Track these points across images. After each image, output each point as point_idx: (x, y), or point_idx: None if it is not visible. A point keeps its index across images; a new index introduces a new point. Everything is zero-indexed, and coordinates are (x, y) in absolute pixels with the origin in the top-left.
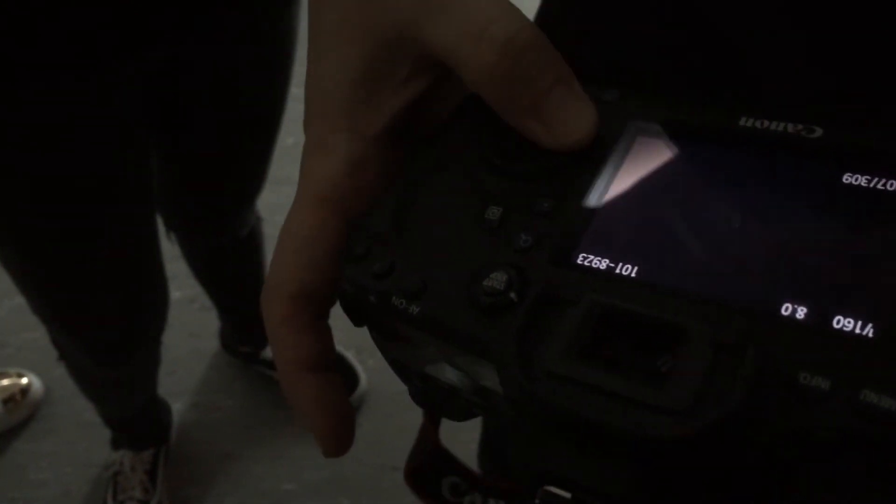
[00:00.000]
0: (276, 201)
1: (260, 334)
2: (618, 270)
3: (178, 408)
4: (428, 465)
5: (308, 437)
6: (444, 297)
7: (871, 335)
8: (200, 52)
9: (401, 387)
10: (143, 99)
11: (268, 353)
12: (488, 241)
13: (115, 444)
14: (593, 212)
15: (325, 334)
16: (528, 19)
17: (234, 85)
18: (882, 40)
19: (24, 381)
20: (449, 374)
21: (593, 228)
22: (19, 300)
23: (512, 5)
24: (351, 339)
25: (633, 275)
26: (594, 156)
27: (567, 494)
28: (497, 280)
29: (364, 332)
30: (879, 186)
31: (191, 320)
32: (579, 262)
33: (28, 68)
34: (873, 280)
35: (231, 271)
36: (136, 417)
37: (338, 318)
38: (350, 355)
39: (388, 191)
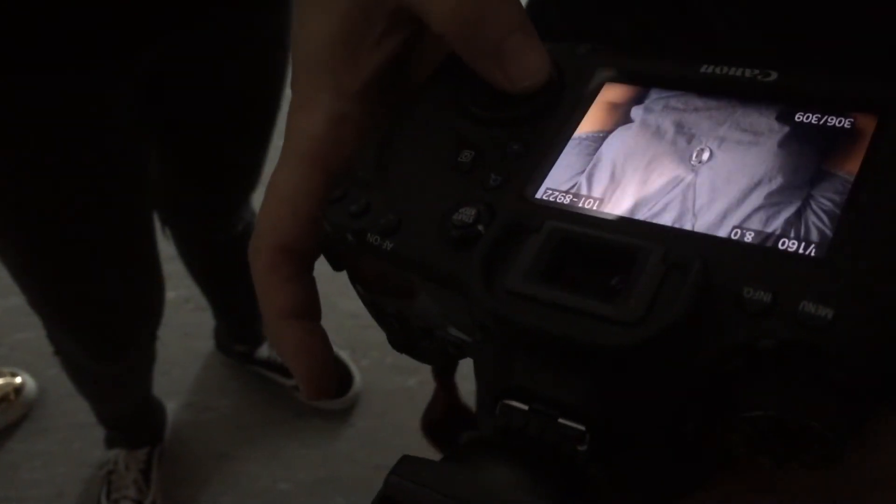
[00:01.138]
0: None
1: (255, 334)
2: (581, 204)
3: (172, 407)
4: (443, 419)
5: (302, 437)
6: (416, 232)
7: (812, 254)
8: (196, 50)
9: (395, 386)
10: (139, 96)
11: (262, 352)
12: (461, 181)
13: (110, 442)
14: (560, 152)
15: (310, 286)
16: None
17: (229, 82)
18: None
19: (18, 380)
20: (423, 312)
21: (559, 166)
22: (13, 300)
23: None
24: (346, 340)
25: (594, 207)
26: (564, 102)
27: (525, 406)
28: (466, 214)
29: (359, 332)
30: (828, 123)
31: (185, 320)
32: (545, 197)
33: (25, 63)
34: (818, 206)
35: (226, 268)
36: (130, 416)
37: (332, 318)
38: (345, 355)
39: (368, 140)
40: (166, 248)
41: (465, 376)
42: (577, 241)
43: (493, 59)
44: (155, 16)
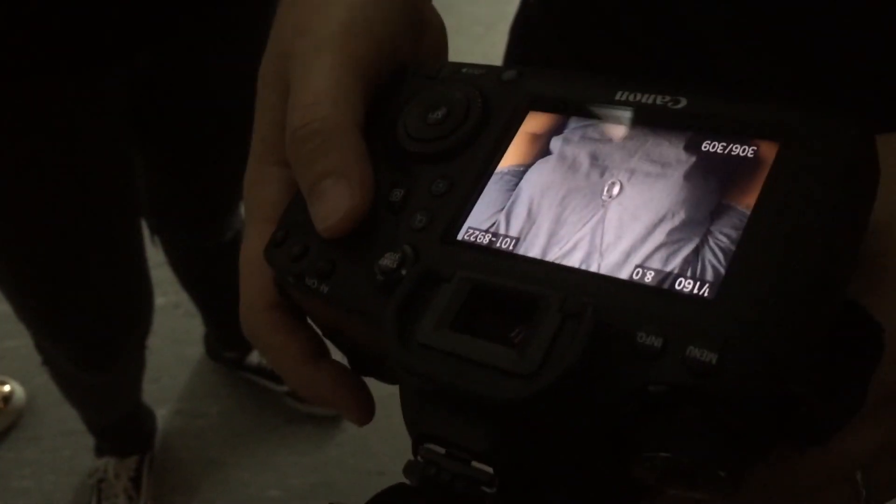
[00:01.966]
0: None
1: (245, 340)
2: (498, 244)
3: (162, 414)
4: None
5: (293, 443)
6: (348, 276)
7: (706, 295)
8: (185, 58)
9: (385, 392)
10: (129, 103)
11: (253, 358)
12: (391, 221)
13: (99, 451)
14: (482, 188)
15: (312, 330)
16: (343, 106)
17: (219, 91)
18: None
19: (7, 388)
20: (369, 345)
21: (480, 204)
22: (2, 308)
23: (343, 88)
24: (334, 346)
25: (510, 248)
26: (489, 132)
27: (442, 450)
28: (391, 259)
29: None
30: (733, 152)
31: (175, 326)
32: (465, 238)
33: (14, 68)
34: (716, 242)
35: (215, 275)
36: (120, 424)
37: None
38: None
39: None
40: (155, 254)
41: None
42: (485, 290)
43: (307, 197)
44: (145, 24)
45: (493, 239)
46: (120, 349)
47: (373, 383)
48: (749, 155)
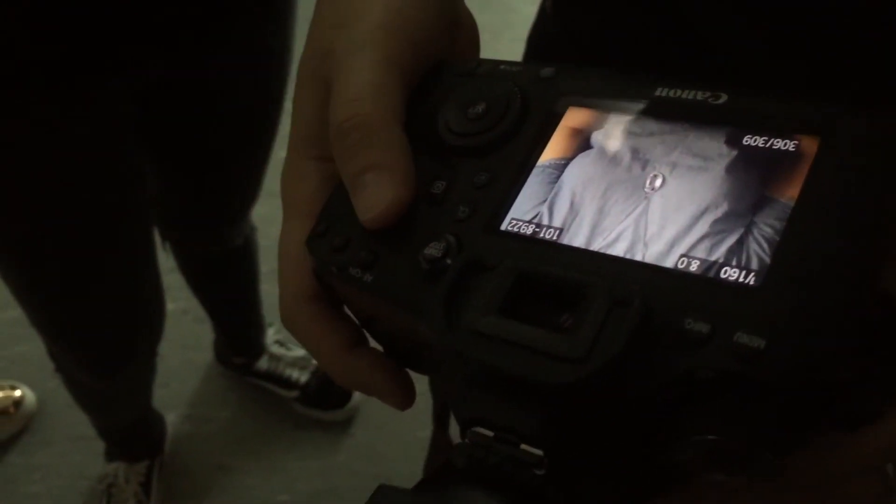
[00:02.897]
0: (270, 213)
1: (254, 346)
2: (542, 235)
3: (171, 419)
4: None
5: (301, 449)
6: (392, 265)
7: (752, 283)
8: (194, 66)
9: None
10: (140, 111)
11: (262, 364)
12: (433, 213)
13: (109, 455)
14: (524, 181)
15: (350, 320)
16: (386, 101)
17: (229, 99)
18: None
19: (18, 393)
20: (408, 336)
21: (523, 196)
22: (12, 313)
23: (384, 84)
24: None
25: (554, 238)
26: (529, 128)
27: (490, 433)
28: (436, 248)
29: None
30: (774, 146)
31: (184, 332)
32: (509, 228)
33: (29, 76)
34: (760, 233)
35: (226, 281)
36: (130, 429)
37: None
38: None
39: None
40: (165, 260)
41: None
42: (531, 278)
43: (350, 188)
44: (155, 32)
45: (537, 230)
46: (132, 355)
47: None
48: (790, 149)
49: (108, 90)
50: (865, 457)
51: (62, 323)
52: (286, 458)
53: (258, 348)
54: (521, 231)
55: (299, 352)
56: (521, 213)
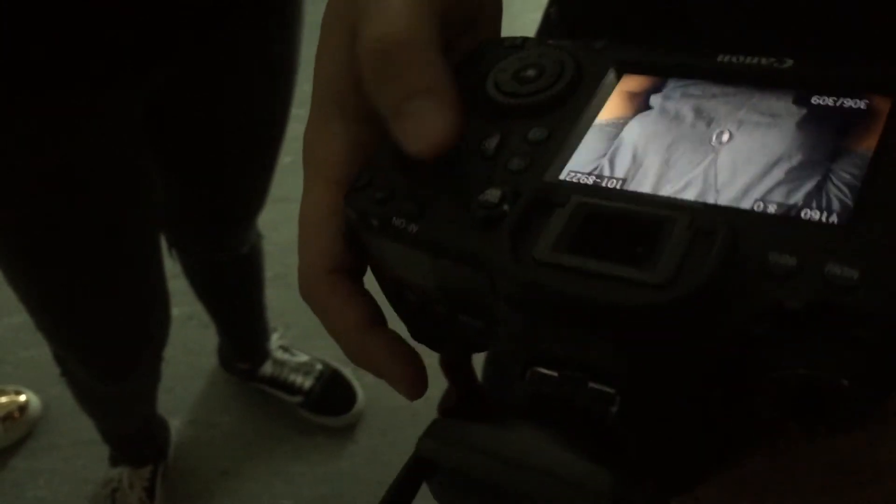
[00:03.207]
0: (276, 218)
1: (258, 351)
2: (604, 184)
3: (176, 424)
4: (457, 408)
5: (305, 454)
6: (441, 215)
7: (835, 222)
8: (201, 73)
9: (399, 402)
10: (147, 118)
11: (266, 369)
12: (485, 165)
13: (114, 460)
14: (581, 137)
15: (370, 296)
16: (423, 24)
17: (236, 106)
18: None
19: (23, 398)
20: (443, 298)
21: (581, 151)
22: (18, 318)
23: (420, 10)
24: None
25: (618, 187)
26: (583, 92)
27: (554, 373)
28: (492, 195)
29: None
30: (844, 105)
31: (189, 338)
32: (569, 178)
33: (34, 82)
34: (839, 179)
35: (231, 288)
36: (135, 434)
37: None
38: (348, 372)
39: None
40: (170, 265)
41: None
42: (603, 213)
43: (393, 117)
44: (162, 40)
45: (598, 180)
46: (137, 360)
47: (380, 397)
48: (862, 107)
49: (116, 96)
50: None
51: (68, 327)
52: (290, 463)
53: (262, 354)
54: (582, 181)
55: (303, 357)
56: (581, 166)
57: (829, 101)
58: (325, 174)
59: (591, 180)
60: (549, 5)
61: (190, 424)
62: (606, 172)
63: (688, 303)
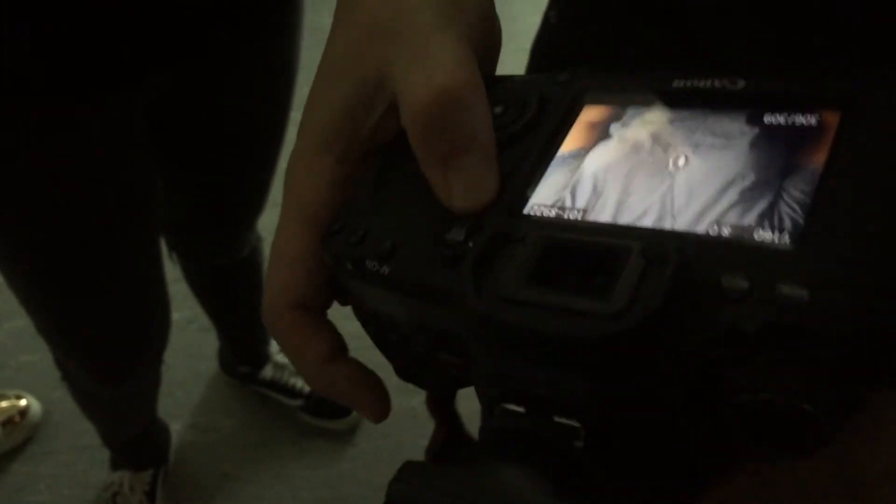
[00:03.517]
0: (276, 222)
1: (258, 355)
2: (566, 216)
3: (176, 428)
4: (444, 450)
5: (306, 458)
6: (412, 255)
7: (787, 242)
8: (203, 77)
9: (399, 405)
10: (147, 122)
11: (266, 373)
12: None
13: (114, 464)
14: (544, 170)
15: (333, 328)
16: (476, 77)
17: (236, 109)
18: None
19: (23, 403)
20: (422, 337)
21: (544, 184)
22: (18, 322)
23: (470, 61)
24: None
25: (579, 217)
26: (547, 125)
27: (521, 409)
28: (457, 233)
29: (362, 353)
30: (796, 122)
31: (189, 341)
32: (531, 212)
33: (37, 87)
34: (790, 197)
35: (232, 291)
36: (135, 438)
37: None
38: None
39: (364, 175)
40: (170, 269)
41: (468, 395)
42: (561, 245)
43: (440, 169)
44: (162, 44)
45: (560, 212)
46: (138, 363)
47: (392, 397)
48: (813, 123)
49: (116, 100)
50: None
51: (69, 331)
52: (291, 466)
53: (263, 357)
54: (545, 214)
55: None
56: (543, 199)
57: (781, 119)
58: (303, 211)
59: (553, 213)
60: (549, 9)
61: (190, 428)
62: (568, 204)
63: (640, 331)
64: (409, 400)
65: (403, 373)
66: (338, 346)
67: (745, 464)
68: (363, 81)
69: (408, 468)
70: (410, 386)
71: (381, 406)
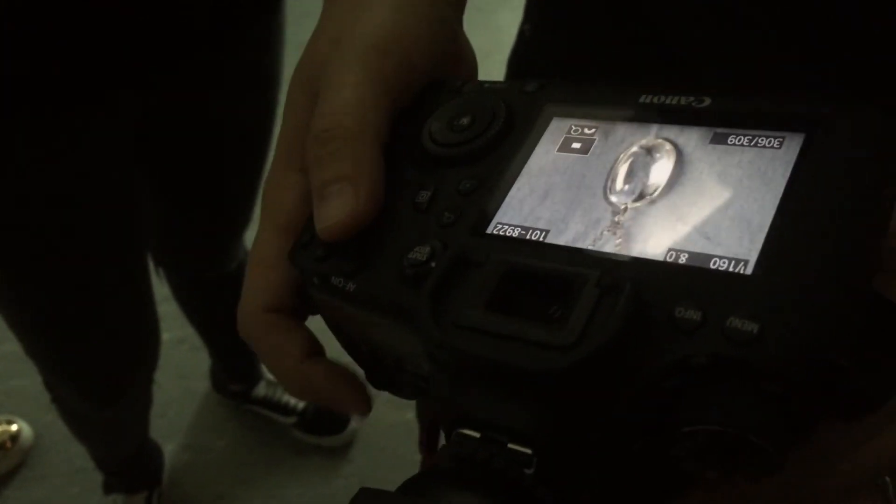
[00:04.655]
0: None
1: (251, 373)
2: (528, 236)
3: (169, 450)
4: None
5: (301, 476)
6: (376, 273)
7: (742, 272)
8: (187, 89)
9: (393, 420)
10: (134, 136)
11: (259, 391)
12: (418, 220)
13: (108, 487)
14: (509, 187)
15: (308, 331)
16: (350, 115)
17: (220, 121)
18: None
19: (14, 427)
20: (390, 349)
21: (509, 201)
22: (8, 347)
23: (360, 103)
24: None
25: (541, 239)
26: (514, 138)
27: (476, 434)
28: (420, 252)
29: (355, 366)
30: (759, 144)
31: (180, 361)
32: (495, 231)
33: (17, 102)
34: (748, 224)
35: (220, 305)
36: (128, 460)
37: (327, 352)
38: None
39: None
40: (159, 289)
41: None
42: (519, 271)
43: (316, 198)
44: (146, 55)
45: (523, 232)
46: (129, 383)
47: (375, 415)
48: (775, 146)
49: (105, 115)
50: (865, 471)
51: (58, 353)
52: (286, 485)
53: (255, 375)
54: (508, 233)
55: None
56: (508, 217)
57: (745, 140)
58: (277, 220)
59: (516, 232)
60: (524, 22)
61: (184, 449)
62: (531, 223)
63: (591, 363)
64: (403, 414)
65: (375, 380)
66: (313, 347)
67: (700, 482)
68: (311, 98)
69: (363, 494)
70: (405, 400)
71: (361, 400)
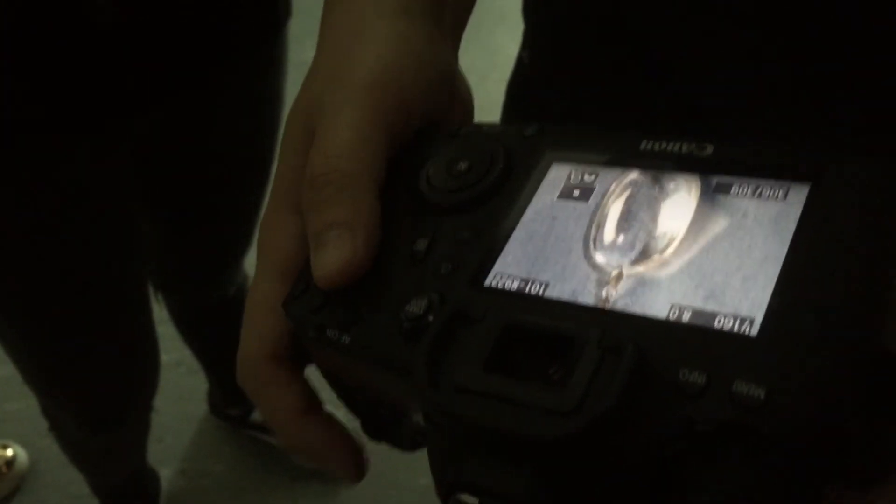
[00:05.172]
0: None
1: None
2: (527, 290)
3: (166, 474)
4: None
5: (299, 501)
6: (372, 326)
7: (747, 332)
8: (187, 118)
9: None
10: (133, 164)
11: (257, 415)
12: (415, 270)
13: None
14: (508, 237)
15: (306, 383)
16: (347, 159)
17: (221, 148)
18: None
19: (10, 452)
20: (388, 401)
21: (507, 252)
22: (4, 370)
23: (356, 146)
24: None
25: (540, 292)
26: (513, 185)
27: (474, 500)
28: (417, 305)
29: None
30: (763, 194)
31: (178, 385)
32: (493, 283)
33: (16, 129)
34: (754, 281)
35: (219, 330)
36: (125, 486)
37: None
38: (340, 414)
39: None
40: (157, 312)
41: None
42: (518, 328)
43: (312, 242)
44: (145, 85)
45: (522, 284)
46: (128, 410)
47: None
48: (780, 197)
49: (104, 144)
50: None
51: (57, 379)
52: None
53: None
54: (506, 286)
55: None
56: (506, 268)
57: (749, 191)
58: (274, 264)
59: (515, 285)
60: (522, 49)
61: (181, 474)
62: (531, 275)
63: (592, 430)
64: None
65: (372, 431)
66: (311, 401)
67: None
68: (308, 138)
69: None
70: None
71: (355, 463)
